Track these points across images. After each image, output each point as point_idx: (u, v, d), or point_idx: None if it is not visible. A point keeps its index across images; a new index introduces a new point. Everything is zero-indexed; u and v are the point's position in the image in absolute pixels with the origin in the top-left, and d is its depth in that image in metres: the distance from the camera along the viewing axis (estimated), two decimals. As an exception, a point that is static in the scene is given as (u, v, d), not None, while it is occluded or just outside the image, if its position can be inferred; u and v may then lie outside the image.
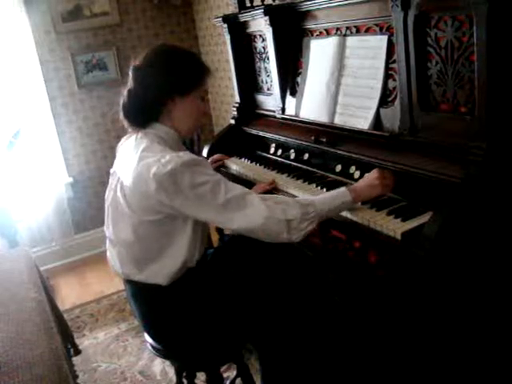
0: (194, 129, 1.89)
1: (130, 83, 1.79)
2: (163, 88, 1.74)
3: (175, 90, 1.75)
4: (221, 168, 2.64)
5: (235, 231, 1.73)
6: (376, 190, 1.76)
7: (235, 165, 2.57)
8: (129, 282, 1.85)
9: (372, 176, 1.79)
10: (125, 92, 1.79)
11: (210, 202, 1.63)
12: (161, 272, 1.74)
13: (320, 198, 1.73)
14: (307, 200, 1.72)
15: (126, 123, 1.81)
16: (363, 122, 1.98)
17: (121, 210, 1.74)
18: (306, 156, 2.27)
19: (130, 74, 1.79)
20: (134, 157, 1.70)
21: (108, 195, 1.83)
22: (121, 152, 1.87)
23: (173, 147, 1.76)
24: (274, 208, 1.64)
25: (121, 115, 1.81)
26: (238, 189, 1.68)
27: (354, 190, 1.73)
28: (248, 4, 2.74)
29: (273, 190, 2.16)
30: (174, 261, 1.74)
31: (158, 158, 1.63)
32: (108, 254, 1.90)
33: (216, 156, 2.68)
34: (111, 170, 1.86)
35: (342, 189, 1.74)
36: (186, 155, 1.64)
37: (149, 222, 1.69)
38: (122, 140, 1.92)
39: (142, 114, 1.77)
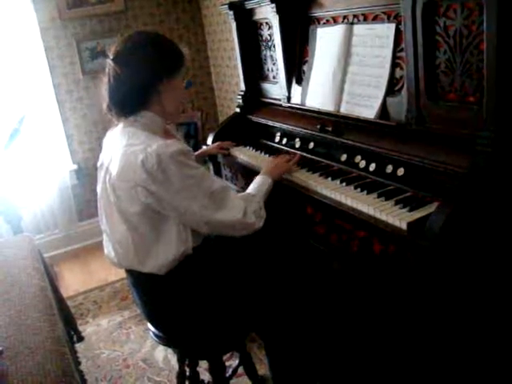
0: (179, 113, 1.89)
1: (112, 71, 1.71)
2: (155, 68, 1.71)
3: (166, 70, 1.73)
4: (226, 156, 2.63)
5: (212, 227, 1.74)
6: (282, 167, 2.08)
7: (240, 153, 2.55)
8: (129, 272, 1.85)
9: (274, 158, 2.18)
10: (106, 80, 1.73)
11: (196, 194, 1.66)
12: (156, 263, 1.73)
13: (254, 189, 1.93)
14: (248, 193, 1.91)
15: (112, 113, 1.77)
16: (369, 111, 1.96)
17: (111, 201, 1.74)
18: (311, 145, 2.25)
19: (113, 61, 1.71)
20: (120, 145, 1.70)
21: (98, 188, 1.82)
22: (106, 144, 1.86)
23: (158, 133, 1.75)
24: (248, 200, 1.81)
25: (104, 105, 1.77)
26: (220, 182, 1.78)
27: (269, 173, 2.02)
28: (255, -9, 2.71)
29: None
30: (166, 251, 1.72)
31: (144, 146, 1.63)
32: (105, 247, 1.88)
33: (225, 143, 2.67)
34: (98, 164, 1.84)
35: (260, 176, 2.00)
36: (173, 144, 1.64)
37: (135, 213, 1.68)
38: (107, 133, 1.90)
39: (133, 99, 1.72)
